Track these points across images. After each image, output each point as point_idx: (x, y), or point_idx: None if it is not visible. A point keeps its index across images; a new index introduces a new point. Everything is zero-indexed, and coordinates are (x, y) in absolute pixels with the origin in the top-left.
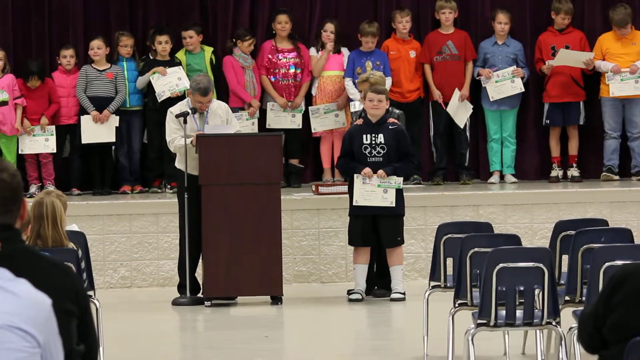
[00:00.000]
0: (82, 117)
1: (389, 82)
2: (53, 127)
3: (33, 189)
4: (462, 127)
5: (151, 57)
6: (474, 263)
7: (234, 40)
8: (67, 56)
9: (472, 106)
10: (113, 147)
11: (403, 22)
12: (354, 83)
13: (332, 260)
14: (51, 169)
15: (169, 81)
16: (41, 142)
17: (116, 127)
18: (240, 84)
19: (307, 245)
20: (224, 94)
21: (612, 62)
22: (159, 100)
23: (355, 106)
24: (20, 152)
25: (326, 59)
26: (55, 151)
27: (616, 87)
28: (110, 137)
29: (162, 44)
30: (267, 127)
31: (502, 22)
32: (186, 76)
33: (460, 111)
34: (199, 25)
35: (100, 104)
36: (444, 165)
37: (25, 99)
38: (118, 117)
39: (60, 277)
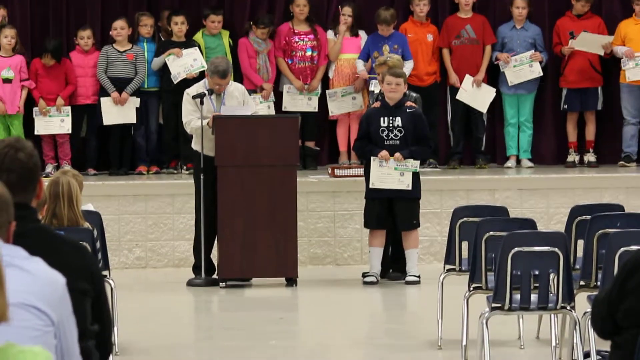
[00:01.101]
0: (102, 99)
1: (410, 65)
2: (69, 108)
3: (49, 168)
4: (484, 111)
5: (163, 39)
6: (489, 247)
7: (251, 23)
8: (85, 37)
9: (494, 90)
10: (132, 128)
11: (420, 5)
12: (365, 66)
13: (347, 243)
14: (67, 149)
15: (184, 62)
16: (57, 122)
17: (136, 108)
18: (252, 67)
19: (323, 228)
20: (239, 76)
21: (630, 46)
22: (175, 82)
23: (375, 85)
24: (35, 132)
25: (341, 42)
26: (70, 132)
27: (632, 72)
28: (131, 118)
29: (179, 25)
30: (283, 109)
31: (519, 6)
32: (202, 57)
33: (479, 96)
34: (222, 9)
35: (120, 85)
36: (461, 150)
37: (42, 78)
38: (139, 99)
39: (75, 257)
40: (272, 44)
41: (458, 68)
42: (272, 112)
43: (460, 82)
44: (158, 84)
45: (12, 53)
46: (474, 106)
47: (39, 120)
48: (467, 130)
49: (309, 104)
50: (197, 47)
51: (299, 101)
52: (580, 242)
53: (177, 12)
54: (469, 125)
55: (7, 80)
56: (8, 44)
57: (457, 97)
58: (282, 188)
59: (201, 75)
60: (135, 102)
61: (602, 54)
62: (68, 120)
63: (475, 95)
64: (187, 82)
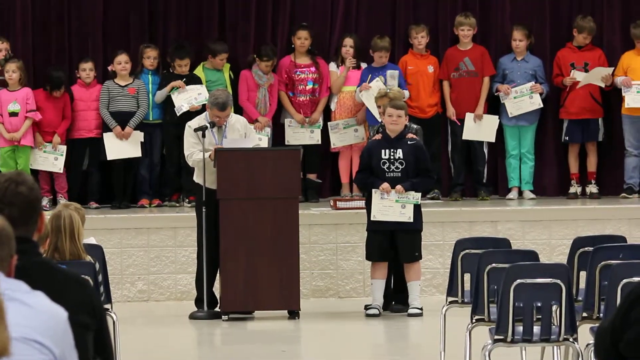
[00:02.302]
0: (105, 135)
1: (405, 95)
2: (64, 148)
3: (44, 201)
4: (493, 140)
5: (168, 72)
6: (492, 279)
7: (254, 56)
8: (87, 69)
9: (497, 117)
10: (136, 161)
11: (418, 38)
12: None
13: (349, 275)
14: (64, 182)
15: (188, 95)
16: (51, 160)
17: (141, 142)
18: (251, 101)
19: (325, 260)
20: (239, 108)
21: (632, 77)
22: (178, 114)
23: (362, 96)
24: (30, 166)
25: (345, 76)
26: (62, 171)
27: (631, 99)
28: (136, 152)
29: (182, 67)
30: (286, 143)
31: (516, 39)
32: (206, 90)
33: (483, 128)
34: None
35: (123, 119)
36: (462, 181)
37: (45, 110)
38: (143, 133)
39: (76, 290)
40: (275, 78)
41: (457, 100)
42: (265, 144)
43: (459, 116)
44: (162, 116)
45: (19, 86)
46: (481, 139)
47: (34, 154)
48: (469, 161)
49: (312, 137)
50: (201, 84)
51: (300, 134)
52: (583, 274)
53: (182, 55)
54: (470, 156)
55: (13, 114)
56: (10, 78)
57: (464, 137)
58: (284, 220)
59: (203, 108)
60: (140, 136)
61: (602, 85)
62: (61, 160)
63: (479, 128)
64: (190, 115)
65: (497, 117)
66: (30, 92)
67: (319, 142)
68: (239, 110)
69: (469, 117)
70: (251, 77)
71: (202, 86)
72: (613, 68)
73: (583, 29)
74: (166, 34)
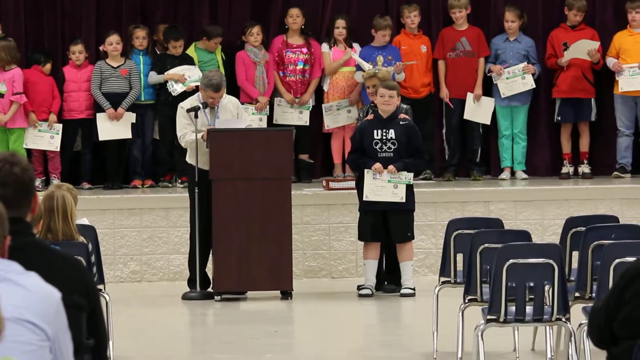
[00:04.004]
0: (97, 115)
1: (402, 76)
2: (60, 126)
3: (37, 182)
4: (488, 122)
5: (158, 52)
6: (484, 259)
7: (242, 37)
8: (76, 52)
9: (493, 99)
10: (128, 142)
11: (411, 17)
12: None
13: (342, 256)
14: (57, 163)
15: (188, 86)
16: (46, 138)
17: (132, 123)
18: (250, 80)
19: (318, 241)
20: (235, 89)
21: (625, 57)
22: (173, 94)
23: (359, 78)
24: (24, 145)
25: (341, 64)
26: (58, 150)
27: (625, 82)
28: (127, 134)
29: (177, 48)
30: (274, 122)
31: (508, 20)
32: (199, 71)
33: (480, 110)
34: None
35: (115, 100)
36: (456, 162)
37: (38, 88)
38: (135, 114)
39: (70, 271)
40: (270, 56)
41: (453, 80)
42: (264, 125)
43: (455, 96)
44: (154, 97)
45: (12, 67)
46: (478, 121)
47: (28, 134)
48: (463, 142)
49: (300, 118)
50: (194, 65)
51: (289, 114)
52: (575, 254)
53: (177, 36)
54: (465, 136)
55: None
56: None
57: (465, 117)
58: (276, 201)
59: (195, 89)
60: (131, 117)
61: (589, 59)
62: (58, 139)
63: (476, 110)
64: (185, 96)
65: (493, 99)
66: (18, 74)
67: (307, 124)
68: (237, 91)
69: (469, 97)
70: (247, 57)
71: (195, 67)
72: (598, 43)
73: (572, 6)
74: (157, 14)
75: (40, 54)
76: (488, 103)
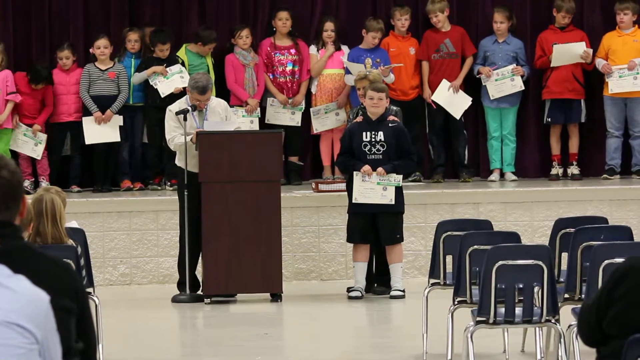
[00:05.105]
0: (84, 119)
1: (391, 78)
2: (44, 137)
3: (26, 183)
4: (458, 118)
5: (152, 55)
6: (474, 260)
7: (231, 40)
8: (63, 58)
9: (470, 98)
10: (117, 145)
11: (402, 20)
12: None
13: (331, 258)
14: (46, 165)
15: (172, 79)
16: (31, 145)
17: (120, 126)
18: (239, 83)
19: (307, 243)
20: (225, 92)
21: (614, 59)
22: (162, 96)
23: (350, 81)
24: (9, 147)
25: (326, 60)
26: (40, 158)
27: (615, 84)
28: (115, 137)
29: (164, 52)
30: (266, 122)
31: (497, 21)
32: (187, 72)
33: (455, 102)
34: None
35: (103, 103)
36: (443, 162)
37: (24, 95)
38: (122, 117)
39: (58, 274)
40: (259, 58)
41: (436, 81)
42: (256, 127)
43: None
44: (144, 99)
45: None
46: (449, 110)
47: (14, 136)
48: (448, 142)
49: (292, 119)
50: (181, 65)
51: (281, 115)
52: (565, 255)
53: (164, 39)
54: (451, 138)
55: None
56: None
57: (433, 98)
58: (266, 203)
59: (183, 92)
60: (119, 120)
61: (582, 61)
62: (41, 148)
63: (452, 100)
64: (172, 98)
65: (470, 98)
66: (10, 75)
67: (299, 125)
68: (227, 94)
69: (445, 83)
70: (236, 59)
71: (181, 67)
72: (584, 43)
73: (561, 8)
74: (146, 17)
75: (36, 70)
76: (464, 99)
